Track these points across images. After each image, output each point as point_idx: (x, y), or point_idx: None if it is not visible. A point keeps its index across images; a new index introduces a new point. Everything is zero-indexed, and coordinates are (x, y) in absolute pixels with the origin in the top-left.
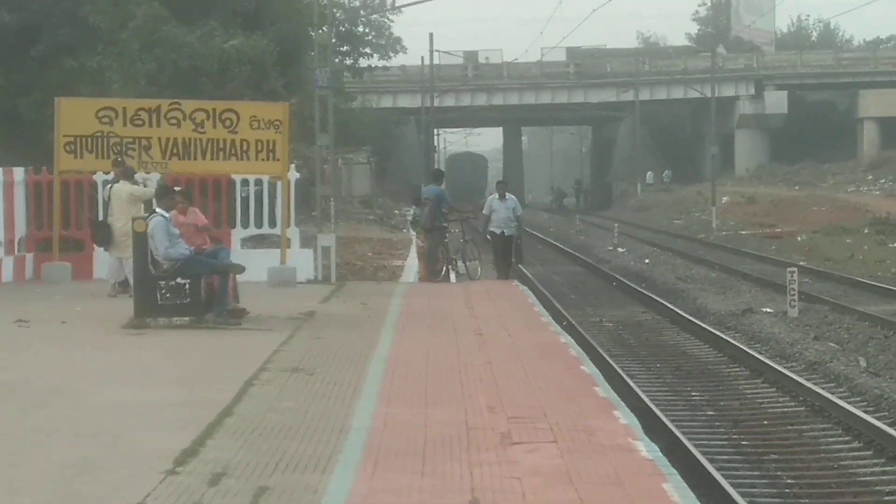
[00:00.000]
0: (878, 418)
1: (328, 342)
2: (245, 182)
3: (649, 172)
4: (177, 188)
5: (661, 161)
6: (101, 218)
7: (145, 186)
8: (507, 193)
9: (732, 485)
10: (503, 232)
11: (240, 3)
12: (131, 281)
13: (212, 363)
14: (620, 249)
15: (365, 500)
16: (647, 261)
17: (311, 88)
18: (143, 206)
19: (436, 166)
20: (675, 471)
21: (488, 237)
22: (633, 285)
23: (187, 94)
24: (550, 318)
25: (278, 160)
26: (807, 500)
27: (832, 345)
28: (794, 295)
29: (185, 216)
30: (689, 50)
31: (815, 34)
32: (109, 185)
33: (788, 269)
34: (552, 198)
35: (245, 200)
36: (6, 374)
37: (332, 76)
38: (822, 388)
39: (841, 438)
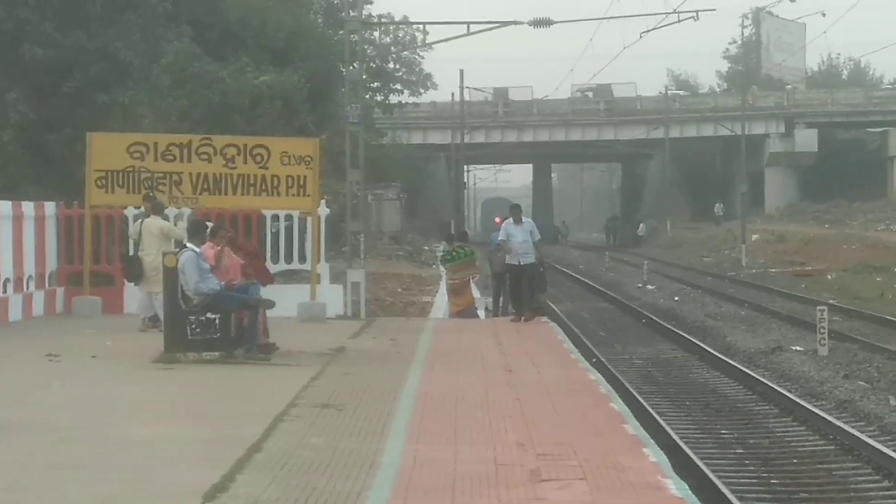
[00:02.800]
0: None
1: (358, 378)
2: (275, 217)
3: (641, 224)
4: (208, 223)
5: (689, 199)
6: (130, 252)
7: (177, 222)
8: (522, 217)
9: None
10: (519, 261)
11: (271, 40)
12: (161, 316)
13: (241, 399)
14: (650, 286)
15: None
16: (676, 298)
17: (341, 124)
18: (173, 241)
19: (465, 203)
20: None
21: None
22: (662, 322)
23: (218, 129)
24: (580, 354)
25: (308, 196)
26: None
27: (862, 383)
28: (823, 333)
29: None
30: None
31: (845, 72)
32: (140, 220)
33: (818, 308)
34: (559, 233)
35: (275, 236)
36: (35, 408)
37: (363, 112)
38: (852, 427)
39: (871, 477)
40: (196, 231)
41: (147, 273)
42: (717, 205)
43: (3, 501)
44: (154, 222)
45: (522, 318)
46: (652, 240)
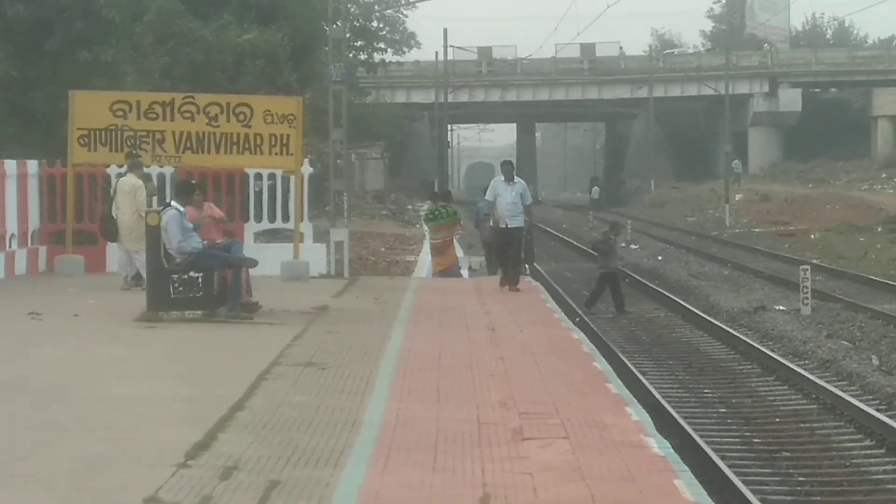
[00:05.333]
0: (890, 416)
1: (341, 337)
2: (258, 176)
3: (595, 188)
4: (192, 181)
5: (673, 158)
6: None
7: (149, 183)
8: (514, 176)
9: (744, 482)
10: (507, 224)
11: None
12: (144, 274)
13: (224, 357)
14: (633, 246)
15: (376, 494)
16: (659, 258)
17: (324, 83)
18: (153, 199)
19: (449, 162)
20: (686, 467)
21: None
22: (645, 282)
23: (201, 87)
24: (563, 314)
25: (292, 154)
26: (818, 498)
27: (845, 343)
28: (806, 293)
29: (199, 210)
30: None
31: (829, 32)
32: (117, 178)
33: (801, 267)
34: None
35: (258, 195)
36: (18, 367)
37: (346, 71)
38: (835, 386)
39: (853, 436)
40: (182, 191)
41: (121, 231)
42: (735, 161)
43: None
44: (127, 180)
45: (508, 286)
46: (636, 199)
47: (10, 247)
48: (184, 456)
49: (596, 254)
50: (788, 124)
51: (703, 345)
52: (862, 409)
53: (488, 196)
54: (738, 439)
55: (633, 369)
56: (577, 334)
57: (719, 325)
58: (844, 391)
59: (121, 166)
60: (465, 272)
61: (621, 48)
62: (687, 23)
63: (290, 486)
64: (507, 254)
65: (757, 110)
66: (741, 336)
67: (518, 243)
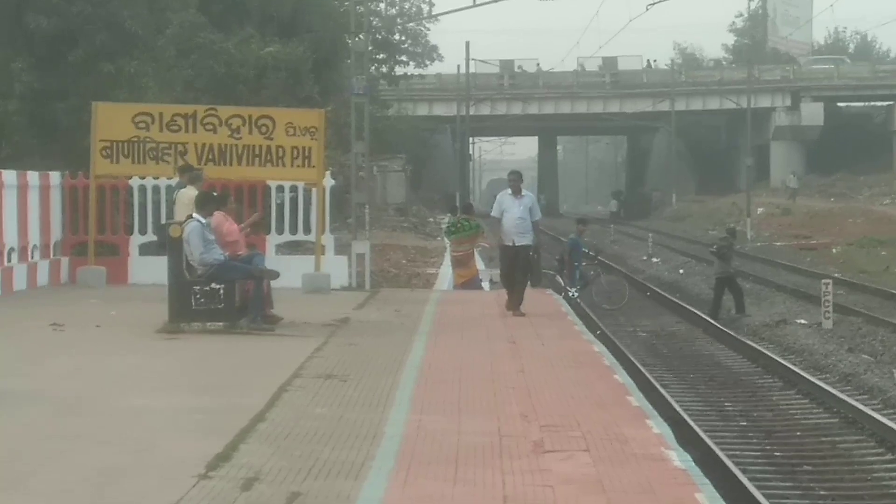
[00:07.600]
0: None
1: (362, 349)
2: (280, 188)
3: (613, 201)
4: (214, 193)
5: (694, 172)
6: (163, 221)
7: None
8: (522, 189)
9: (765, 496)
10: (514, 242)
11: (276, 10)
12: None
13: (245, 369)
14: (655, 259)
15: None
16: (681, 271)
17: (346, 96)
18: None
19: (470, 175)
20: (707, 481)
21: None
22: (667, 295)
23: (223, 100)
24: (584, 326)
25: (314, 167)
26: None
27: (866, 357)
28: (828, 307)
29: (227, 219)
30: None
31: (851, 46)
32: (175, 190)
33: (823, 281)
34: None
35: (280, 207)
36: (39, 378)
37: (368, 84)
38: (856, 400)
39: (874, 450)
40: (203, 202)
41: None
42: (790, 175)
43: (6, 471)
44: (186, 192)
45: (512, 312)
46: (657, 212)
47: (32, 258)
48: (205, 467)
49: (716, 259)
50: (810, 138)
51: (724, 358)
52: (883, 423)
53: (494, 212)
54: (759, 453)
55: (654, 382)
56: (599, 347)
57: (741, 338)
58: (866, 405)
59: (170, 178)
60: (485, 285)
61: (648, 61)
62: (709, 36)
63: (312, 498)
64: (515, 274)
65: (779, 124)
66: (762, 349)
67: (526, 263)
